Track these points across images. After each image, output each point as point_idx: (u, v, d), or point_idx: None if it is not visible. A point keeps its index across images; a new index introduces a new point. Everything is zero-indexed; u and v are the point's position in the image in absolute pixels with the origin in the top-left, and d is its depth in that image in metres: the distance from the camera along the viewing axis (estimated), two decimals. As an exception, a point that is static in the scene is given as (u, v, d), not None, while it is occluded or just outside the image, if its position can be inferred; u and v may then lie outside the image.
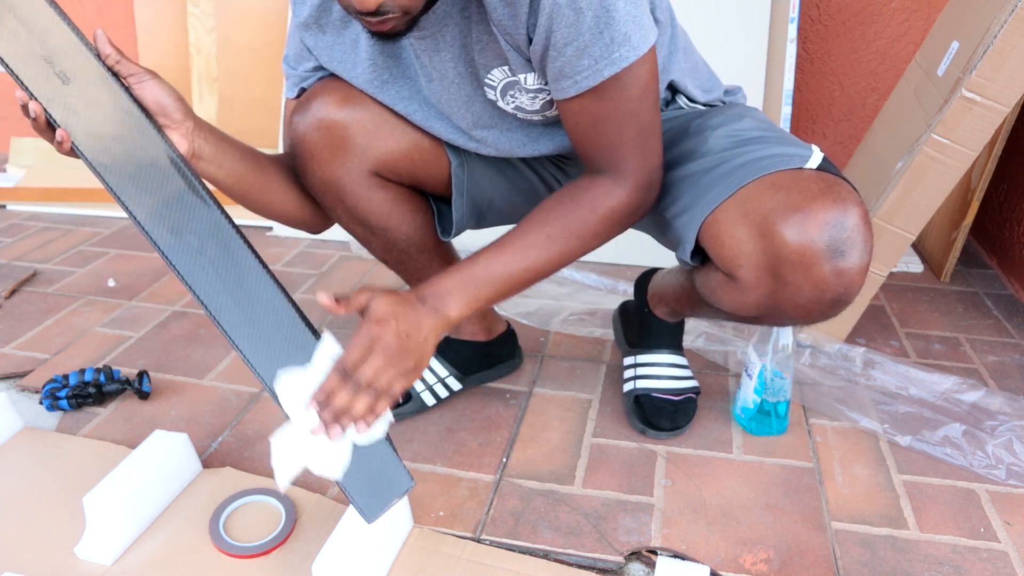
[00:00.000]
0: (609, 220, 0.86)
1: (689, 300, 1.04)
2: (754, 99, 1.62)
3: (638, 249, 1.45)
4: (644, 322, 1.22)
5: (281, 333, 0.80)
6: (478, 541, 0.94)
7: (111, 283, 1.65)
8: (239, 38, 2.19)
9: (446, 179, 1.03)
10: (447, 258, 1.13)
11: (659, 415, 1.12)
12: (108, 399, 1.22)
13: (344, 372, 0.76)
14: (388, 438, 0.83)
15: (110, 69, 0.76)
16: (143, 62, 2.30)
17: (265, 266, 0.81)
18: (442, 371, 1.20)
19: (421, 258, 1.09)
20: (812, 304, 0.80)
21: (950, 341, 1.41)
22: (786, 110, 1.61)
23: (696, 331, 1.39)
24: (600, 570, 0.90)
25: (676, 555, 0.92)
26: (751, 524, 0.96)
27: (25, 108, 0.73)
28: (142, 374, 1.22)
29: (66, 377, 1.20)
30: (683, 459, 1.08)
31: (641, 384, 1.16)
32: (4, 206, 2.15)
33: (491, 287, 0.84)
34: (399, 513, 0.91)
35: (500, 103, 0.90)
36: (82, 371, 1.22)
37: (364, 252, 1.77)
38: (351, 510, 0.87)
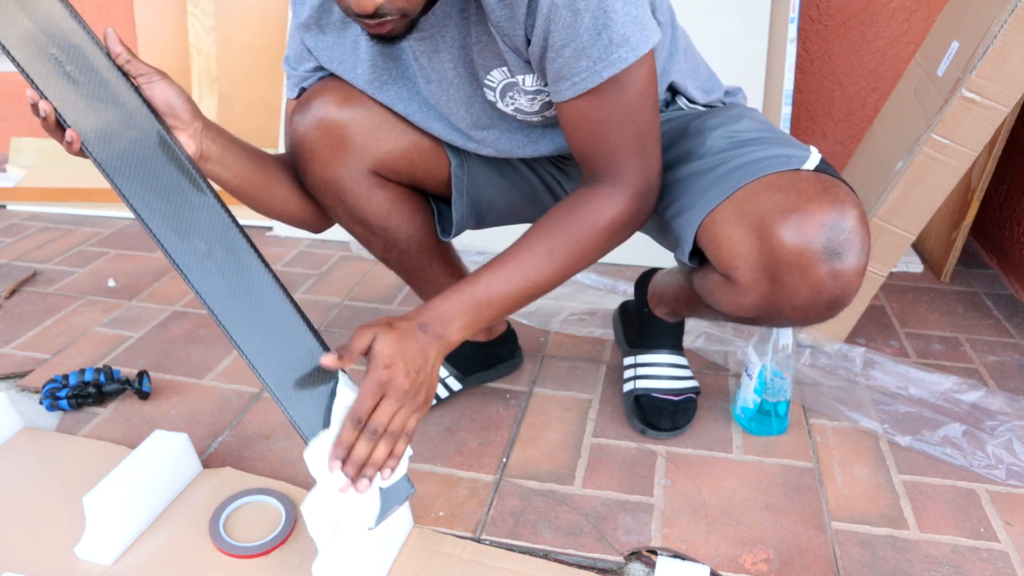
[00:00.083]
0: (610, 231, 0.86)
1: (688, 301, 1.04)
2: (754, 99, 1.62)
3: (638, 249, 1.45)
4: (644, 322, 1.22)
5: (286, 340, 0.80)
6: (478, 541, 0.94)
7: (111, 283, 1.65)
8: (239, 38, 2.19)
9: (446, 179, 1.03)
10: (447, 258, 1.13)
11: (659, 415, 1.12)
12: (108, 399, 1.22)
13: (359, 422, 0.76)
14: None
15: (120, 68, 0.76)
16: (143, 62, 2.30)
17: (271, 270, 0.81)
18: (442, 371, 1.20)
19: (421, 258, 1.09)
20: (809, 306, 0.80)
21: (950, 341, 1.41)
22: (786, 110, 1.61)
23: (696, 331, 1.39)
24: (600, 570, 0.90)
25: (676, 555, 0.92)
26: (751, 524, 0.96)
27: (35, 107, 0.73)
28: (142, 374, 1.22)
29: (66, 377, 1.20)
30: (683, 459, 1.08)
31: (641, 384, 1.16)
32: (4, 206, 2.15)
33: (493, 308, 0.84)
34: (399, 513, 0.91)
35: (499, 104, 0.90)
36: (82, 371, 1.22)
37: (364, 252, 1.77)
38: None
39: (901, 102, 1.56)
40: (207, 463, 1.07)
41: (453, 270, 1.15)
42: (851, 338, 1.40)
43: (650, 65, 0.80)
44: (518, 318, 1.46)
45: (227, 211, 0.79)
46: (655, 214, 0.97)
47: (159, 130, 0.77)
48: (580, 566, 0.90)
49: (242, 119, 2.22)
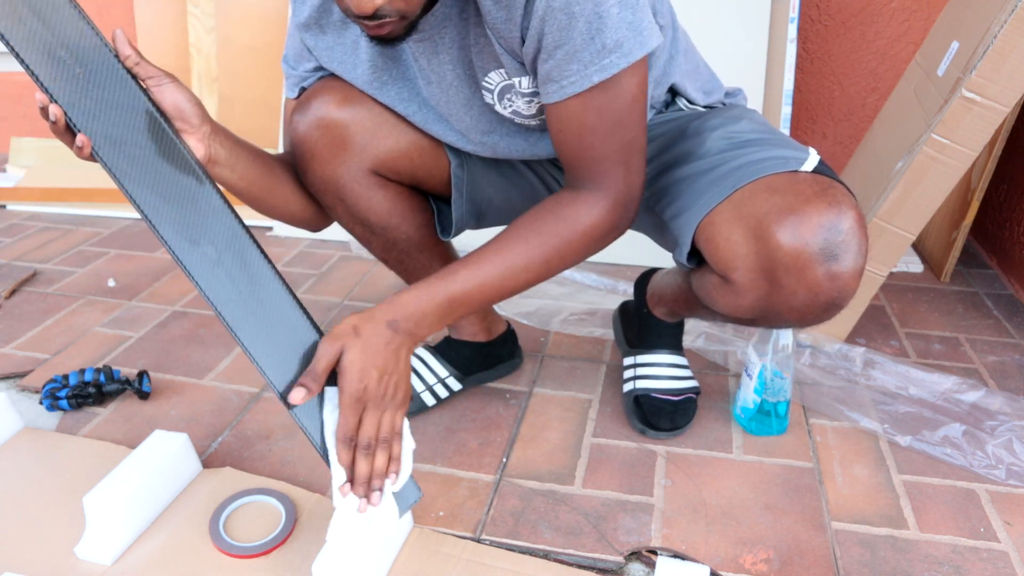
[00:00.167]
0: (589, 238, 0.85)
1: (686, 301, 1.04)
2: (754, 99, 1.62)
3: (638, 249, 1.45)
4: (643, 322, 1.22)
5: (298, 348, 0.80)
6: (478, 541, 0.94)
7: (111, 283, 1.65)
8: (239, 38, 2.19)
9: (446, 178, 1.03)
10: (447, 257, 1.13)
11: (659, 415, 1.12)
12: (108, 399, 1.22)
13: (349, 441, 0.77)
14: None
15: (129, 71, 0.75)
16: (143, 62, 2.30)
17: (281, 277, 0.81)
18: (442, 371, 1.20)
19: (421, 257, 1.09)
20: (806, 307, 0.80)
21: (950, 341, 1.41)
22: (786, 110, 1.61)
23: (696, 331, 1.39)
24: (600, 570, 0.90)
25: (676, 555, 0.92)
26: (751, 524, 0.96)
27: (44, 111, 0.72)
28: (142, 374, 1.22)
29: (66, 377, 1.20)
30: (683, 459, 1.08)
31: (641, 384, 1.16)
32: (4, 206, 2.15)
33: (466, 307, 0.83)
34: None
35: (497, 107, 0.90)
36: (82, 371, 1.22)
37: (364, 252, 1.77)
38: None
39: (901, 102, 1.56)
40: (207, 463, 1.07)
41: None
42: (851, 338, 1.40)
43: (642, 74, 0.79)
44: (518, 318, 1.46)
45: (236, 216, 0.79)
46: (654, 214, 0.97)
47: (169, 135, 0.77)
48: (580, 566, 0.90)
49: (242, 119, 2.22)
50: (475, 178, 1.04)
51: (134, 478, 0.93)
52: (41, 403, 1.19)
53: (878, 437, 1.13)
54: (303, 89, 0.99)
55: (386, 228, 1.03)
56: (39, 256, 1.80)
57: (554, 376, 1.29)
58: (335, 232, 1.84)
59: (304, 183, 0.99)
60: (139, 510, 0.93)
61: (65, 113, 0.72)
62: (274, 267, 0.81)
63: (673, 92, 1.02)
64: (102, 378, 1.20)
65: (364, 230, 1.04)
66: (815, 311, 0.80)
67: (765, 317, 0.84)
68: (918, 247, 1.82)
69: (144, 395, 1.21)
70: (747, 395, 1.13)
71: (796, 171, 0.81)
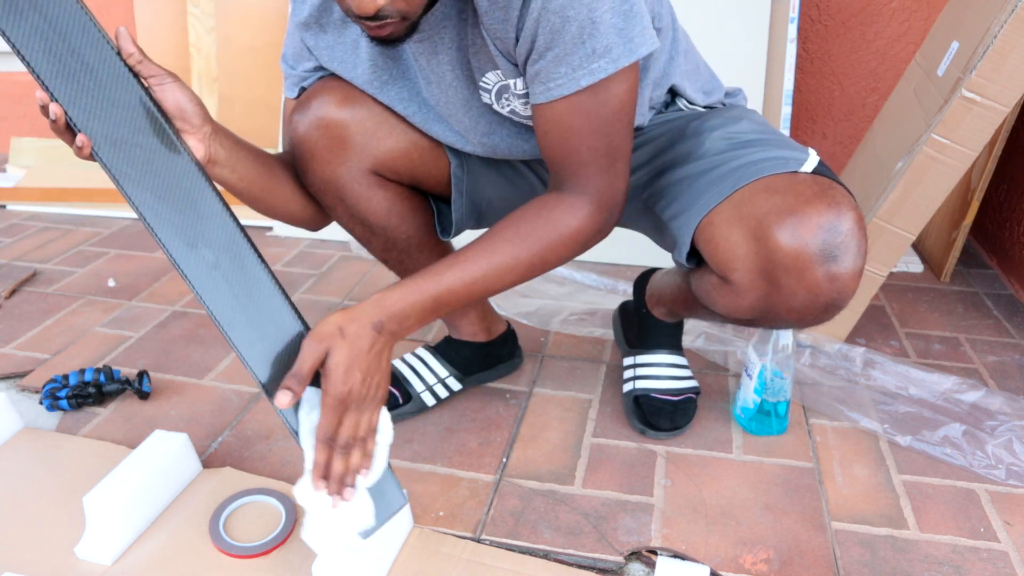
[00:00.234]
0: (573, 241, 0.85)
1: (685, 301, 1.04)
2: (754, 99, 1.62)
3: (638, 249, 1.45)
4: (643, 322, 1.22)
5: (291, 352, 0.80)
6: (478, 541, 0.94)
7: (111, 283, 1.65)
8: (239, 38, 2.19)
9: (446, 179, 1.03)
10: (447, 258, 1.13)
11: (658, 415, 1.12)
12: (108, 399, 1.22)
13: (328, 441, 0.77)
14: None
15: (131, 69, 0.74)
16: (143, 62, 2.30)
17: (278, 283, 0.81)
18: (442, 371, 1.20)
19: (421, 257, 1.09)
20: (805, 308, 0.80)
21: (950, 341, 1.41)
22: (786, 110, 1.61)
23: (696, 331, 1.39)
24: (600, 570, 0.90)
25: (676, 555, 0.92)
26: (751, 524, 0.96)
27: (45, 109, 0.71)
28: (142, 374, 1.22)
29: (66, 377, 1.20)
30: (683, 459, 1.08)
31: (640, 384, 1.16)
32: (4, 206, 2.15)
33: (449, 307, 0.83)
34: (399, 514, 0.91)
35: (495, 106, 0.90)
36: (82, 371, 1.22)
37: (364, 252, 1.77)
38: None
39: (901, 102, 1.56)
40: (207, 463, 1.07)
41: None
42: (851, 338, 1.40)
43: (631, 81, 0.79)
44: (518, 318, 1.46)
45: (235, 220, 0.79)
46: (653, 214, 0.97)
47: (169, 135, 0.76)
48: (580, 566, 0.90)
49: (242, 119, 2.22)
50: (475, 178, 1.04)
51: (134, 478, 0.93)
52: (41, 403, 1.19)
53: (878, 437, 1.13)
54: (302, 89, 0.99)
55: (386, 228, 1.03)
56: (39, 256, 1.80)
57: (554, 376, 1.29)
58: (335, 232, 1.84)
59: (304, 183, 0.99)
60: (139, 510, 0.93)
61: (65, 112, 0.71)
62: (270, 271, 0.81)
63: (673, 92, 1.02)
64: (102, 378, 1.20)
65: (364, 230, 1.04)
66: (814, 312, 0.80)
67: (764, 317, 0.84)
68: (918, 247, 1.82)
69: (144, 395, 1.21)
70: (747, 395, 1.13)
71: (796, 172, 0.81)
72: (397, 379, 1.19)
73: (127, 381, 1.21)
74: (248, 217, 1.81)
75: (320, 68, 0.97)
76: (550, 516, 0.98)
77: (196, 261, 0.76)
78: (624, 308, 1.32)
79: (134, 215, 2.03)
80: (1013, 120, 1.49)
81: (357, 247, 1.79)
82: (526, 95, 0.86)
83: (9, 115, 2.63)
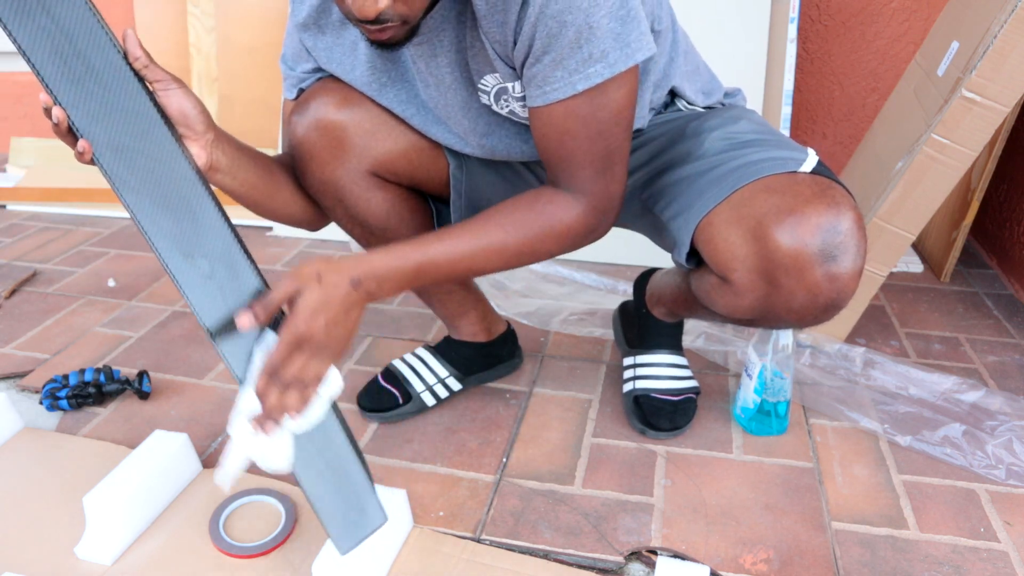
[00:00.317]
0: (563, 237, 0.85)
1: (685, 302, 1.04)
2: (754, 99, 1.62)
3: (638, 249, 1.45)
4: (643, 322, 1.22)
5: None
6: (478, 541, 0.94)
7: (111, 283, 1.65)
8: (239, 38, 2.19)
9: (445, 180, 1.03)
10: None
11: (658, 415, 1.12)
12: (108, 399, 1.22)
13: (272, 372, 0.75)
14: (367, 471, 0.83)
15: (137, 73, 0.73)
16: (143, 62, 2.30)
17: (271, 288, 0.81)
18: (442, 371, 1.20)
19: (421, 258, 1.09)
20: (805, 308, 0.80)
21: (950, 341, 1.41)
22: (786, 110, 1.61)
23: (696, 331, 1.39)
24: (600, 570, 0.90)
25: (676, 555, 0.92)
26: (751, 524, 0.96)
27: (48, 111, 0.71)
28: (142, 374, 1.22)
29: (66, 377, 1.20)
30: (683, 459, 1.08)
31: (640, 384, 1.16)
32: (4, 206, 2.15)
33: (431, 277, 0.83)
34: (399, 513, 0.91)
35: (494, 107, 0.90)
36: (82, 371, 1.22)
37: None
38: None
39: (901, 102, 1.56)
40: (207, 463, 1.07)
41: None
42: (851, 338, 1.40)
43: (630, 85, 0.79)
44: (518, 318, 1.46)
45: (232, 231, 0.78)
46: (652, 215, 0.97)
47: (172, 142, 0.75)
48: (580, 566, 0.90)
49: (242, 119, 2.22)
50: (474, 179, 1.04)
51: (134, 478, 0.93)
52: (41, 403, 1.19)
53: (878, 437, 1.13)
54: (301, 90, 0.99)
55: (385, 229, 1.03)
56: (39, 256, 1.80)
57: (554, 376, 1.29)
58: (335, 232, 1.84)
59: (303, 184, 0.99)
60: (139, 510, 0.93)
61: (68, 115, 0.71)
62: (266, 283, 0.80)
63: (672, 93, 1.02)
64: (102, 378, 1.20)
65: (363, 231, 1.04)
66: (814, 312, 0.80)
67: (764, 318, 0.84)
68: (918, 247, 1.82)
69: (144, 395, 1.21)
70: (747, 395, 1.13)
71: (795, 172, 0.81)
72: (397, 379, 1.19)
73: (127, 381, 1.21)
74: (248, 217, 1.81)
75: (319, 69, 0.97)
76: (550, 516, 0.98)
77: (192, 272, 0.76)
78: (624, 308, 1.32)
79: (134, 215, 2.03)
80: (1013, 120, 1.49)
81: (357, 247, 1.79)
82: (524, 98, 0.86)
83: (9, 115, 2.63)
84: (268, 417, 0.76)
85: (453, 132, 0.96)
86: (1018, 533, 0.95)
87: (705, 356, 1.34)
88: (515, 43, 0.77)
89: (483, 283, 1.55)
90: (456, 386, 1.21)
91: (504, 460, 1.08)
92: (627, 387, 1.19)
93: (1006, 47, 1.11)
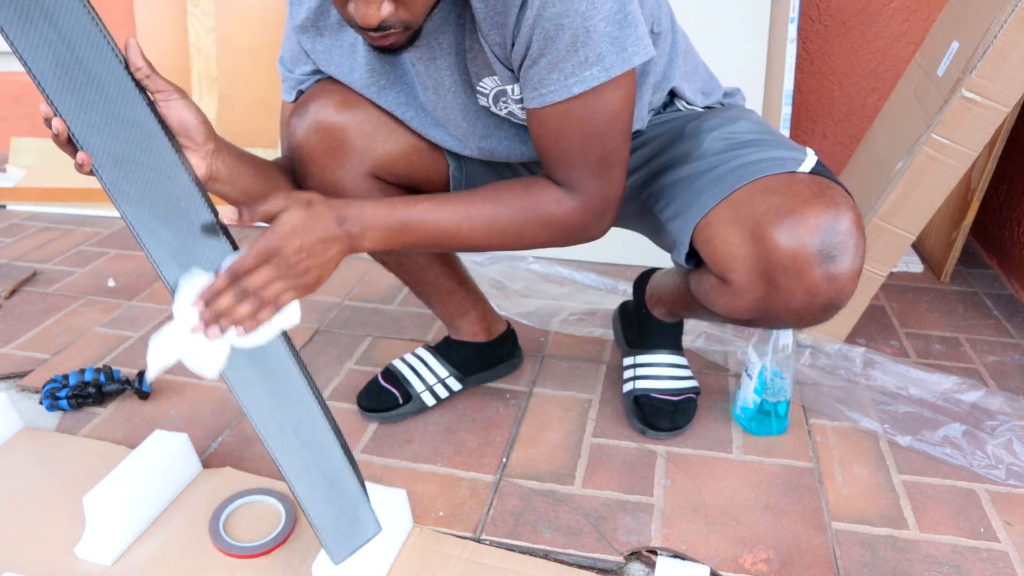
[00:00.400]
0: (550, 226, 0.85)
1: (685, 302, 1.04)
2: (754, 99, 1.62)
3: (638, 249, 1.45)
4: (643, 323, 1.22)
5: (291, 402, 0.80)
6: (478, 541, 0.94)
7: (111, 283, 1.65)
8: (239, 38, 2.19)
9: (444, 181, 1.03)
10: (445, 259, 1.13)
11: (658, 415, 1.12)
12: (108, 399, 1.22)
13: (234, 276, 0.74)
14: (361, 481, 0.82)
15: (138, 83, 0.72)
16: (143, 62, 2.29)
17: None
18: (442, 371, 1.20)
19: (420, 259, 1.09)
20: (804, 308, 0.80)
21: (950, 341, 1.41)
22: (786, 110, 1.61)
23: (696, 331, 1.39)
24: (600, 570, 0.90)
25: (676, 555, 0.92)
26: (751, 524, 0.96)
27: (48, 121, 0.70)
28: (142, 374, 1.22)
29: (66, 377, 1.20)
30: (683, 459, 1.08)
31: (640, 384, 1.16)
32: (4, 206, 2.15)
33: (414, 237, 0.83)
34: (399, 513, 0.91)
35: (493, 108, 0.90)
36: (82, 371, 1.22)
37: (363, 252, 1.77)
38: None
39: (901, 102, 1.56)
40: (207, 463, 1.07)
41: (452, 271, 1.15)
42: (851, 338, 1.40)
43: (626, 89, 0.79)
44: (518, 318, 1.46)
45: (231, 241, 0.77)
46: (651, 215, 0.97)
47: (172, 154, 0.74)
48: (580, 566, 0.90)
49: (242, 119, 2.22)
50: (473, 181, 1.04)
51: (134, 478, 0.93)
52: (41, 403, 1.19)
53: (878, 437, 1.13)
54: (300, 92, 0.99)
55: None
56: (39, 256, 1.80)
57: (554, 376, 1.29)
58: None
59: (303, 187, 0.98)
60: (139, 510, 0.93)
61: (68, 128, 0.70)
62: None
63: (672, 93, 1.02)
64: (102, 378, 1.20)
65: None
66: (813, 312, 0.80)
67: (763, 318, 0.84)
68: (918, 247, 1.82)
69: (144, 395, 1.21)
70: (747, 395, 1.13)
71: (794, 172, 0.81)
72: (397, 379, 1.19)
73: (127, 381, 1.21)
74: (248, 217, 1.81)
75: (318, 71, 0.97)
76: (550, 516, 0.98)
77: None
78: (624, 308, 1.32)
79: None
80: (1013, 120, 1.49)
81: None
82: (522, 100, 0.86)
83: (9, 115, 2.63)
84: (214, 320, 0.75)
85: (452, 134, 0.96)
86: (1018, 533, 0.95)
87: (705, 356, 1.34)
88: (513, 45, 0.77)
89: (483, 283, 1.55)
90: (456, 386, 1.21)
91: (504, 460, 1.08)
92: (627, 387, 1.19)
93: (1006, 47, 1.11)
